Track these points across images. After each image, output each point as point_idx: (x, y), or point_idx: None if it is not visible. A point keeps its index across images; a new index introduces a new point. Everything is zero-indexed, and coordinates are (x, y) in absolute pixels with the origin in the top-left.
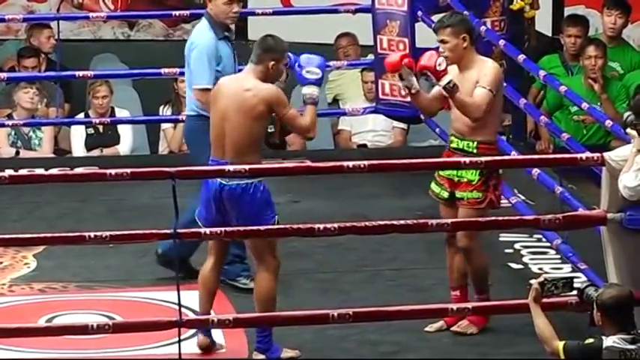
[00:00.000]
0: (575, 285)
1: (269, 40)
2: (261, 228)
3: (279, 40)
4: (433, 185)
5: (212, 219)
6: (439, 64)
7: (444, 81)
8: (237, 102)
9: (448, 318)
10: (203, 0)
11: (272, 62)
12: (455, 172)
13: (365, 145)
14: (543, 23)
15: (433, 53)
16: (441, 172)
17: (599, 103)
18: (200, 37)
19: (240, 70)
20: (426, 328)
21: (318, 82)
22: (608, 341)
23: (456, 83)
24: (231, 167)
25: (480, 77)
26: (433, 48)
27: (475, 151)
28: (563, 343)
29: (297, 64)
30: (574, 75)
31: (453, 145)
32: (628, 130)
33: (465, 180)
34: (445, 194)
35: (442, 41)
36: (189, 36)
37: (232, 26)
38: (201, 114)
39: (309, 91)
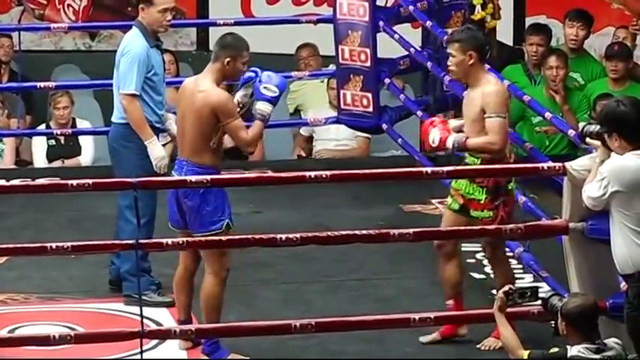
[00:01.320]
0: (540, 294)
1: (227, 38)
2: (223, 238)
3: (238, 37)
4: (448, 197)
5: (176, 218)
6: (433, 142)
7: (450, 144)
8: (191, 102)
9: (444, 330)
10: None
11: (228, 59)
12: (464, 187)
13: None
14: (505, 33)
15: (429, 134)
16: (454, 186)
17: (560, 114)
18: (132, 43)
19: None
20: (421, 339)
21: (274, 100)
22: (573, 350)
23: (459, 137)
24: (193, 178)
25: (484, 105)
26: (395, 58)
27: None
28: (528, 352)
29: (257, 79)
30: (537, 84)
31: (467, 160)
32: (588, 140)
33: (475, 199)
34: (456, 206)
35: (450, 54)
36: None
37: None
38: (127, 122)
39: (262, 107)
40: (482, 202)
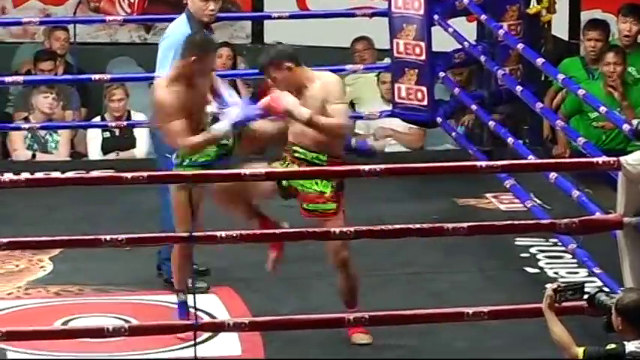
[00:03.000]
0: (587, 290)
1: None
2: (277, 231)
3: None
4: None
5: None
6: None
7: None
8: None
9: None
10: None
11: (193, 57)
12: (301, 182)
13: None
14: (560, 27)
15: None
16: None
17: (618, 109)
18: (174, 29)
19: None
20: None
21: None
22: (630, 346)
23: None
24: (247, 171)
25: (326, 95)
26: (449, 52)
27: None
28: (583, 348)
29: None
30: (595, 79)
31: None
32: None
33: (316, 191)
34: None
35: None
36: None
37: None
38: None
39: (220, 126)
40: (326, 194)
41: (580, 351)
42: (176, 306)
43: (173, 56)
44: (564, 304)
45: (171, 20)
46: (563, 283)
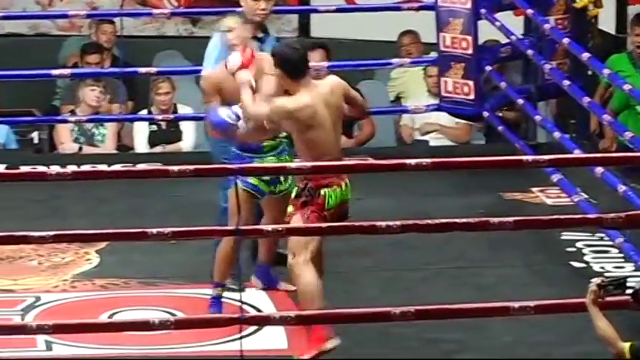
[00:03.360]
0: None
1: None
2: (323, 225)
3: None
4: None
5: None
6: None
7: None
8: None
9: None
10: None
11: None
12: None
13: (426, 142)
14: (607, 22)
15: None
16: None
17: None
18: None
19: None
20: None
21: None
22: None
23: None
24: (293, 165)
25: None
26: (496, 46)
27: None
28: (629, 344)
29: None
30: None
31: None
32: None
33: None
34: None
35: None
36: None
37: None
38: None
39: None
40: (292, 198)
41: (626, 346)
42: (221, 299)
43: (217, 54)
44: (608, 298)
45: (217, 14)
46: (606, 277)
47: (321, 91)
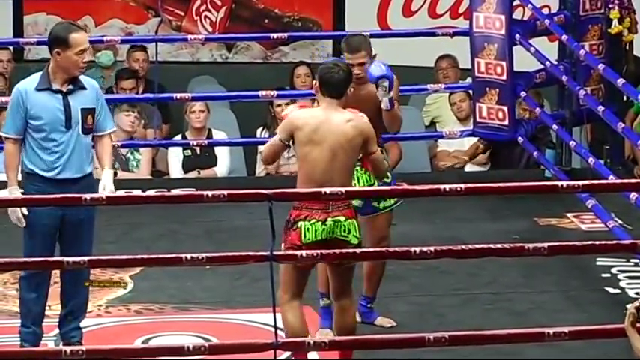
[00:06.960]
0: None
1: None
2: (358, 251)
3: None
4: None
5: None
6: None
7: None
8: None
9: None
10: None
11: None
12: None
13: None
14: None
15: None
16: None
17: None
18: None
19: None
20: None
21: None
22: None
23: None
24: (328, 190)
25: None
26: (531, 71)
27: None
28: None
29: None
30: None
31: None
32: None
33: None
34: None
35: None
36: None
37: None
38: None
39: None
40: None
41: None
42: (257, 325)
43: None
44: None
45: (252, 39)
46: None
47: (334, 118)
